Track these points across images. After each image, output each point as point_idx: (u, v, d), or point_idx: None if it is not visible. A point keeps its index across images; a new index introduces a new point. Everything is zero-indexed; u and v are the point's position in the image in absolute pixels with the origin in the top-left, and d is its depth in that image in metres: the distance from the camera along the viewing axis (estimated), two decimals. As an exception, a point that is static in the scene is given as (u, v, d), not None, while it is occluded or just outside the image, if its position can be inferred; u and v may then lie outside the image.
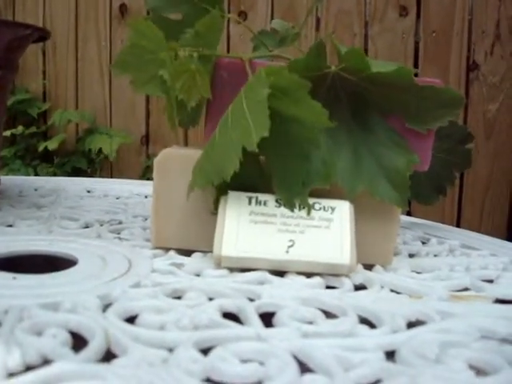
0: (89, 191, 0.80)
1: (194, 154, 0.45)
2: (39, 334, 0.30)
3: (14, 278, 0.39)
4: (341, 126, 0.46)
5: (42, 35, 0.61)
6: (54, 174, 2.04)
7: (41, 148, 2.05)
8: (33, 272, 0.41)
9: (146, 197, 0.77)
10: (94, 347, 0.29)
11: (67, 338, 0.30)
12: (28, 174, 1.97)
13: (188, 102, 0.42)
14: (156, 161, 0.48)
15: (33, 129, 2.11)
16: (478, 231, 0.68)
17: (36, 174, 2.02)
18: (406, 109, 0.47)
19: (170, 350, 0.29)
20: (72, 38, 2.17)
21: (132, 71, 0.46)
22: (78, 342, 0.31)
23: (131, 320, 0.33)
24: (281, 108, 0.42)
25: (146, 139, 2.13)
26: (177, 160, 0.47)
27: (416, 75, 0.46)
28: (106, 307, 0.35)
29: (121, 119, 2.14)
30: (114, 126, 2.13)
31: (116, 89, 2.14)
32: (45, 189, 0.78)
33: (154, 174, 0.48)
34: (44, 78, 2.21)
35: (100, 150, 1.99)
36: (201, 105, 0.42)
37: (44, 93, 2.22)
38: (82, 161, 2.09)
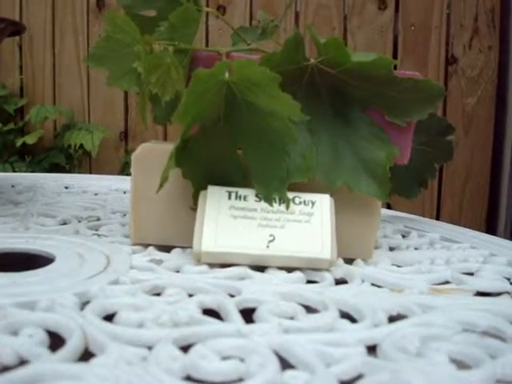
0: (67, 187, 0.79)
1: (172, 148, 0.45)
2: (15, 333, 0.30)
3: (-10, 277, 0.38)
4: (320, 119, 0.46)
5: (17, 29, 0.60)
6: (32, 171, 2.02)
7: (19, 143, 2.02)
8: (9, 270, 0.40)
9: (124, 192, 0.76)
10: (72, 346, 0.28)
11: (44, 337, 0.29)
12: (5, 171, 1.95)
13: (163, 96, 0.42)
14: (134, 155, 0.47)
15: (10, 125, 2.08)
16: (458, 223, 0.68)
17: (13, 171, 1.99)
18: (385, 102, 0.47)
19: (149, 347, 0.29)
20: (49, 33, 2.15)
21: (107, 64, 0.46)
22: (56, 341, 0.30)
23: (109, 318, 0.33)
24: (255, 101, 0.42)
25: (125, 135, 2.11)
26: (155, 155, 0.46)
27: (395, 68, 0.46)
28: (83, 305, 0.34)
29: (99, 115, 2.12)
30: (92, 121, 2.12)
31: (94, 84, 2.12)
32: (22, 185, 0.77)
33: (132, 169, 0.47)
34: (21, 74, 2.19)
35: (81, 146, 1.97)
36: (177, 101, 0.41)
37: (21, 88, 2.19)
38: (60, 157, 2.07)
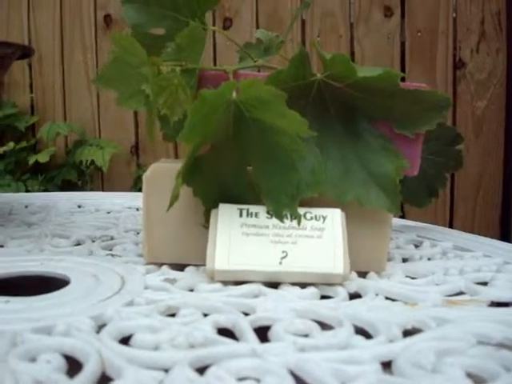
0: (79, 206, 0.79)
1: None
2: (33, 359, 0.30)
3: (7, 302, 0.38)
4: (328, 133, 0.46)
5: (25, 52, 0.61)
6: (45, 188, 2.04)
7: (31, 161, 2.04)
8: (25, 293, 0.40)
9: (137, 209, 0.77)
10: (89, 372, 0.28)
11: (62, 362, 0.29)
12: (18, 189, 1.96)
13: (171, 116, 0.42)
14: (145, 176, 0.47)
15: (23, 143, 2.10)
16: (471, 229, 0.68)
17: (26, 189, 2.01)
18: (393, 114, 0.47)
19: (166, 370, 0.29)
20: (58, 51, 2.16)
21: (115, 86, 0.46)
22: (73, 365, 0.30)
23: (125, 340, 0.33)
24: (263, 119, 0.42)
25: (136, 149, 2.12)
26: (166, 174, 0.47)
27: (403, 79, 0.46)
28: (99, 328, 0.35)
29: (109, 130, 2.13)
30: (103, 137, 2.13)
31: (104, 100, 2.13)
32: (35, 206, 0.77)
33: (144, 189, 0.48)
34: (31, 92, 2.20)
35: (92, 162, 1.98)
36: (185, 119, 0.42)
37: (32, 106, 2.21)
38: (72, 173, 2.08)
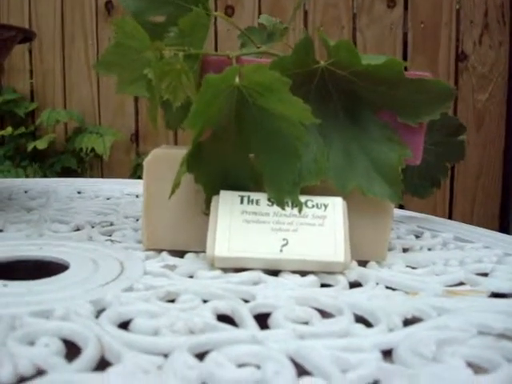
0: (79, 192, 0.79)
1: (184, 153, 0.45)
2: (32, 343, 0.30)
3: (5, 286, 0.38)
4: (331, 121, 0.46)
5: (27, 36, 0.60)
6: (44, 174, 2.03)
7: (30, 148, 2.03)
8: (24, 277, 0.40)
9: (137, 196, 0.76)
10: (88, 356, 0.28)
11: (60, 346, 0.29)
12: (17, 175, 1.96)
13: (174, 102, 0.42)
14: (146, 161, 0.47)
15: (21, 129, 2.09)
16: (471, 221, 0.68)
17: (26, 175, 2.00)
18: (396, 103, 0.46)
19: (165, 355, 0.29)
20: (58, 37, 2.16)
21: (117, 71, 0.46)
22: (72, 348, 0.30)
23: (125, 325, 0.33)
24: (266, 105, 0.42)
25: (136, 137, 2.12)
26: (167, 160, 0.46)
27: (406, 69, 0.45)
28: (98, 313, 0.34)
29: (109, 117, 2.13)
30: (103, 124, 2.12)
31: (104, 87, 2.13)
32: (35, 191, 0.77)
33: (144, 175, 0.47)
34: (31, 78, 2.20)
35: (92, 149, 1.98)
36: (188, 106, 0.41)
37: (31, 92, 2.20)
38: (71, 160, 2.08)
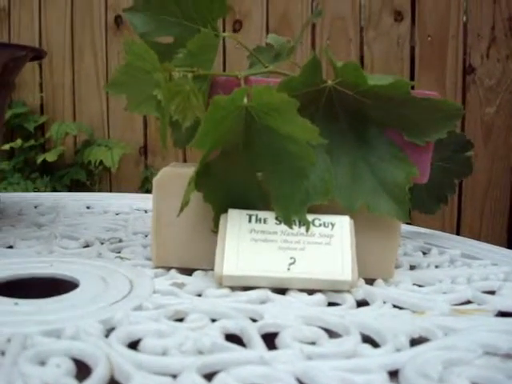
0: (88, 207, 0.80)
1: (192, 172, 0.45)
2: (43, 363, 0.30)
3: (16, 304, 0.38)
4: (338, 140, 0.46)
5: (37, 55, 0.61)
6: (53, 187, 2.04)
7: (39, 160, 2.05)
8: (34, 295, 0.41)
9: (145, 212, 0.77)
10: (98, 376, 0.29)
11: (71, 366, 0.30)
12: (27, 187, 1.97)
13: (183, 122, 0.43)
14: (155, 180, 0.48)
15: (31, 142, 2.11)
16: (479, 236, 0.68)
17: (35, 187, 2.02)
18: (403, 122, 0.47)
19: (174, 376, 0.29)
20: (68, 51, 2.17)
21: (127, 91, 0.46)
22: (82, 368, 0.31)
23: (134, 345, 0.33)
24: (274, 126, 0.42)
25: (145, 150, 2.13)
26: (176, 179, 0.47)
27: (413, 88, 0.46)
28: (108, 332, 0.35)
29: (118, 130, 2.14)
30: (112, 137, 2.13)
31: (113, 100, 2.14)
32: (44, 206, 0.78)
33: (154, 193, 0.48)
34: (41, 91, 2.21)
35: (101, 162, 1.99)
36: (196, 126, 0.42)
37: (41, 105, 2.22)
38: (80, 173, 2.09)
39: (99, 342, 0.33)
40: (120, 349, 0.32)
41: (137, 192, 2.07)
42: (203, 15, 0.48)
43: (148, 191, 2.06)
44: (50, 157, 2.04)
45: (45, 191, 1.99)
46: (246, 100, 0.42)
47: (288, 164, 0.43)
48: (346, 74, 0.44)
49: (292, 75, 0.45)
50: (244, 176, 0.45)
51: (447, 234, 0.70)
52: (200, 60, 0.45)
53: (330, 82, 0.46)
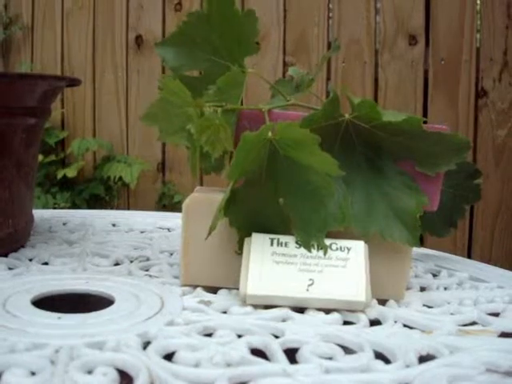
0: (114, 225, 0.83)
1: (219, 198, 0.49)
2: (90, 372, 0.34)
3: (59, 318, 0.42)
4: (355, 170, 0.50)
5: (72, 83, 0.65)
6: (73, 201, 2.09)
7: (60, 175, 2.10)
8: (70, 309, 0.45)
9: (168, 230, 0.81)
10: (141, 384, 0.32)
11: (116, 375, 0.33)
12: (47, 201, 2.02)
13: (212, 153, 0.46)
14: (185, 204, 0.51)
15: (52, 157, 2.16)
16: (489, 256, 0.71)
17: (55, 202, 2.06)
18: (415, 154, 0.50)
19: (207, 386, 0.33)
20: (89, 68, 2.23)
21: (160, 122, 0.50)
22: (122, 377, 0.34)
23: (168, 357, 0.37)
24: (297, 158, 0.46)
25: (162, 166, 2.17)
26: (204, 204, 0.51)
27: (425, 122, 0.49)
28: (145, 345, 0.39)
29: (137, 147, 2.19)
30: (131, 153, 2.18)
31: (132, 117, 2.19)
32: (73, 223, 0.82)
33: (183, 217, 0.52)
34: (62, 107, 2.27)
35: (120, 178, 2.03)
36: (224, 154, 0.46)
37: (62, 121, 2.28)
38: (99, 188, 2.13)
39: (139, 354, 0.36)
40: (158, 360, 0.36)
41: (154, 207, 2.12)
42: (231, 52, 0.52)
43: (165, 206, 2.10)
44: (70, 172, 2.09)
45: (65, 206, 2.03)
46: (270, 133, 0.46)
47: (308, 193, 0.47)
48: (362, 110, 0.48)
49: (313, 111, 0.48)
50: (267, 203, 0.48)
51: (457, 257, 0.73)
52: (228, 95, 0.49)
53: (347, 116, 0.49)
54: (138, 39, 2.16)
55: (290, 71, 0.62)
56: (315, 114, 0.48)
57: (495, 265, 0.69)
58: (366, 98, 0.47)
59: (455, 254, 0.74)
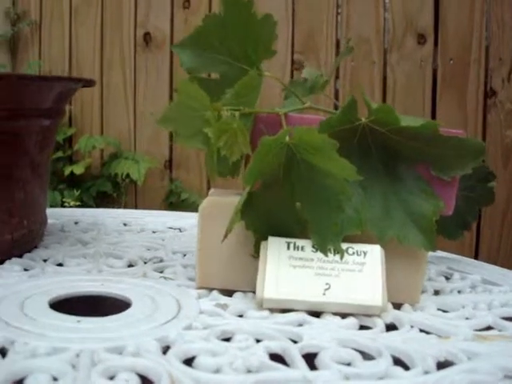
0: (125, 224, 0.84)
1: (235, 201, 0.49)
2: (112, 377, 0.34)
3: (78, 322, 0.43)
4: (371, 174, 0.50)
5: (87, 84, 0.66)
6: (80, 199, 2.09)
7: (67, 172, 2.10)
8: (86, 311, 0.45)
9: (180, 230, 0.81)
10: (163, 390, 0.33)
11: (138, 381, 0.34)
12: (55, 198, 2.02)
13: (230, 157, 0.46)
14: (201, 208, 0.52)
15: (59, 153, 2.16)
16: (497, 258, 0.71)
17: (62, 198, 2.07)
18: (431, 158, 0.50)
19: (230, 392, 0.33)
20: (97, 65, 2.23)
21: (177, 126, 0.50)
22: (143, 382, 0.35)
23: (188, 362, 0.37)
24: (314, 162, 0.46)
25: (170, 164, 2.18)
26: (220, 207, 0.51)
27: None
28: (164, 349, 0.39)
29: (145, 144, 2.19)
30: (138, 150, 2.19)
31: (140, 115, 2.19)
32: (84, 223, 0.82)
33: (199, 220, 0.52)
34: (70, 104, 2.27)
35: (127, 175, 2.04)
36: (241, 158, 0.47)
37: (70, 118, 2.28)
38: (106, 185, 2.14)
39: (159, 359, 0.37)
40: (178, 365, 0.36)
41: (161, 204, 2.12)
42: (248, 56, 0.52)
43: (172, 204, 2.10)
44: (78, 169, 2.09)
45: (74, 204, 2.03)
46: (287, 138, 0.46)
47: (326, 197, 0.47)
48: (379, 114, 0.48)
49: (330, 115, 0.48)
50: (283, 206, 0.49)
51: (468, 259, 0.73)
52: (245, 99, 0.49)
53: (363, 120, 0.49)
54: (147, 36, 2.16)
55: (304, 73, 0.62)
56: (332, 118, 0.48)
57: (503, 266, 0.69)
58: (383, 103, 0.47)
59: (462, 255, 0.75)
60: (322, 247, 0.48)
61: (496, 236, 1.82)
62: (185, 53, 0.55)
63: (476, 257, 1.76)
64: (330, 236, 0.48)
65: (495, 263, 0.72)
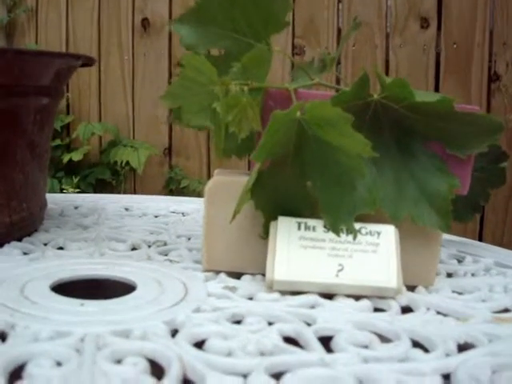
0: (127, 209, 0.82)
1: (242, 181, 0.47)
2: (119, 361, 0.32)
3: (82, 305, 0.41)
4: (384, 152, 0.48)
5: (87, 62, 0.63)
6: (78, 186, 2.08)
7: (65, 159, 2.08)
8: (89, 295, 0.43)
9: (183, 214, 0.79)
10: (173, 375, 0.31)
11: (146, 365, 0.32)
12: (53, 186, 2.01)
13: (239, 134, 0.44)
14: (207, 188, 0.50)
15: (57, 141, 2.14)
16: (501, 241, 0.69)
17: (61, 186, 2.05)
18: (446, 135, 0.49)
19: (244, 376, 0.31)
20: (95, 51, 2.21)
21: (182, 102, 0.48)
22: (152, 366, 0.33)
23: (198, 345, 0.35)
24: (327, 138, 0.44)
25: (169, 151, 2.16)
26: (227, 187, 0.49)
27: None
28: (173, 333, 0.37)
29: (143, 131, 2.17)
30: (137, 138, 2.16)
31: (138, 101, 2.17)
32: (84, 208, 0.80)
33: (205, 201, 0.50)
34: (67, 91, 2.25)
35: (127, 163, 2.02)
36: (251, 136, 0.45)
37: (67, 106, 2.26)
38: (105, 172, 2.12)
39: (168, 343, 0.35)
40: (189, 349, 0.34)
41: (161, 192, 2.10)
42: (256, 30, 0.50)
43: (172, 191, 2.09)
44: (76, 156, 2.07)
45: (73, 192, 2.02)
46: (298, 113, 0.44)
47: (338, 175, 0.45)
48: (393, 89, 0.46)
49: (342, 90, 0.46)
50: (294, 185, 0.47)
51: (477, 242, 0.71)
52: (253, 74, 0.47)
53: (376, 96, 0.47)
54: (145, 22, 2.13)
55: (320, 54, 0.60)
56: (343, 94, 0.46)
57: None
58: (398, 78, 0.45)
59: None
60: (334, 227, 0.46)
61: (500, 220, 1.80)
62: (184, 28, 0.53)
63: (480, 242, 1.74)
64: (342, 215, 0.46)
65: (500, 248, 0.70)
